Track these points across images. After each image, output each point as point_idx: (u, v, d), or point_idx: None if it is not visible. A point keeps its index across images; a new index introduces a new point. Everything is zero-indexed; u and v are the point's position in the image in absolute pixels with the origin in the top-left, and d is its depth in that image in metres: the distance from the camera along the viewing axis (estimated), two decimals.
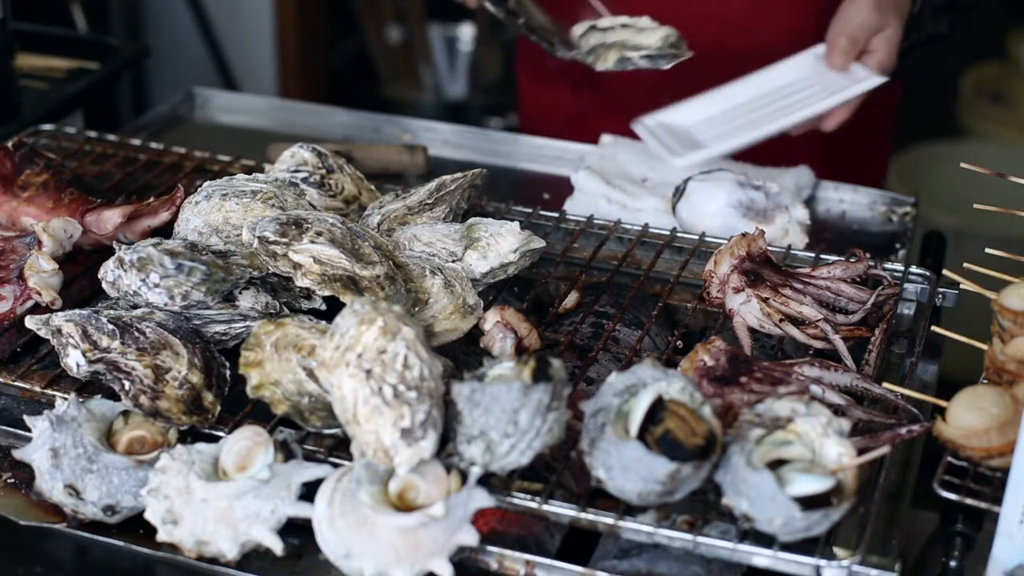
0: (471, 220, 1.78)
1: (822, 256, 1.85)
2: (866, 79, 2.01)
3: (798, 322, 1.69)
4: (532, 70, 2.55)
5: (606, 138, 2.24)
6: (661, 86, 2.31)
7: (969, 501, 1.40)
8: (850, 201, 2.17)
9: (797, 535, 1.36)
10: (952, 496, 1.41)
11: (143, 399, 1.50)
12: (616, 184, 2.10)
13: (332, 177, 1.88)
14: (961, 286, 1.69)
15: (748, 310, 1.70)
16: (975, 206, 1.79)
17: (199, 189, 1.77)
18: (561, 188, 2.16)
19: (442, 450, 1.42)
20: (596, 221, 1.97)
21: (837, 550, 1.37)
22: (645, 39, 2.09)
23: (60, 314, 1.60)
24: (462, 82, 4.76)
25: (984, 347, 1.57)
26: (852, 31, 2.04)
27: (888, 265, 1.83)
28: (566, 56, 2.10)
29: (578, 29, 2.15)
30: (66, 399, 1.51)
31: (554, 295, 1.84)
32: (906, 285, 1.82)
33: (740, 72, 2.27)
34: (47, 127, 2.23)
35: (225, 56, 4.18)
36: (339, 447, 1.48)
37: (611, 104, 2.40)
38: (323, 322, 1.58)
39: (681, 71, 2.29)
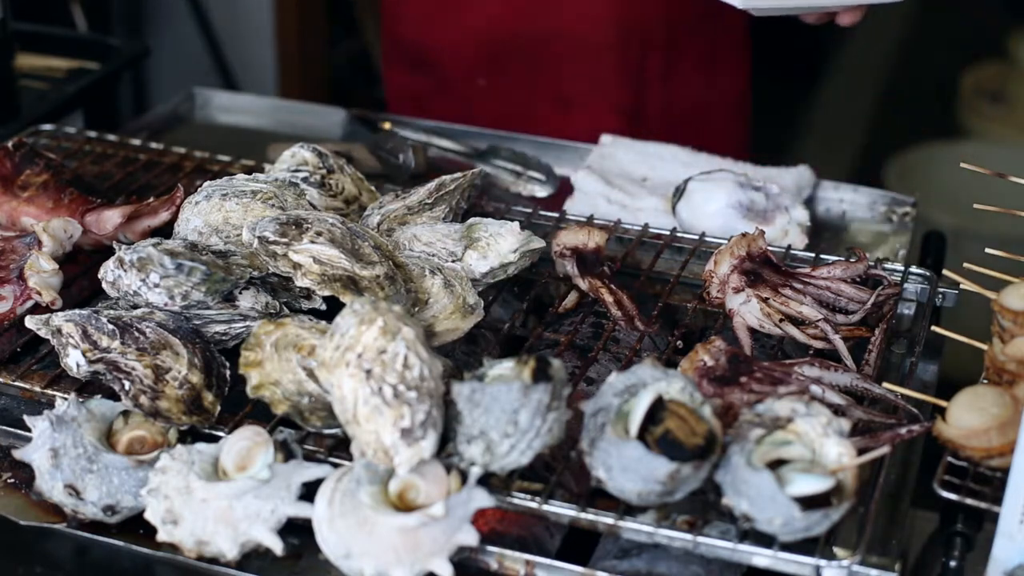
0: (471, 220, 1.78)
1: (822, 256, 1.85)
2: None
3: (798, 322, 1.69)
4: (387, 54, 2.68)
5: (606, 138, 2.24)
6: (481, 67, 2.47)
7: (969, 501, 1.40)
8: (850, 201, 2.17)
9: (797, 535, 1.36)
10: (952, 496, 1.41)
11: (143, 399, 1.50)
12: (616, 184, 2.10)
13: (332, 177, 1.88)
14: (961, 286, 1.69)
15: (748, 310, 1.70)
16: (975, 206, 1.79)
17: (199, 189, 1.77)
18: (561, 188, 2.16)
19: (442, 450, 1.42)
20: (596, 221, 1.96)
21: (837, 550, 1.37)
22: None
23: (60, 314, 1.60)
24: None
25: (984, 347, 1.57)
26: None
27: (888, 265, 1.83)
28: None
29: None
30: (66, 399, 1.51)
31: (554, 295, 1.84)
32: (906, 285, 1.82)
33: (543, 51, 2.41)
34: (47, 127, 2.23)
35: (225, 56, 4.18)
36: (339, 447, 1.48)
37: (440, 85, 2.53)
38: (323, 322, 1.58)
39: (499, 53, 2.43)
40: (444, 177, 1.87)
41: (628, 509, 1.41)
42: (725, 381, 1.53)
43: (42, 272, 1.70)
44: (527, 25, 2.42)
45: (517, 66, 2.48)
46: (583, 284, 1.76)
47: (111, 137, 2.21)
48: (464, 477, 1.40)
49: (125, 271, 1.61)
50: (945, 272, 1.72)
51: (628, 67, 2.48)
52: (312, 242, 1.61)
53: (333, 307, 1.58)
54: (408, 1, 2.56)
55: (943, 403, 1.48)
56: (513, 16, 2.42)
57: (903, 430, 1.49)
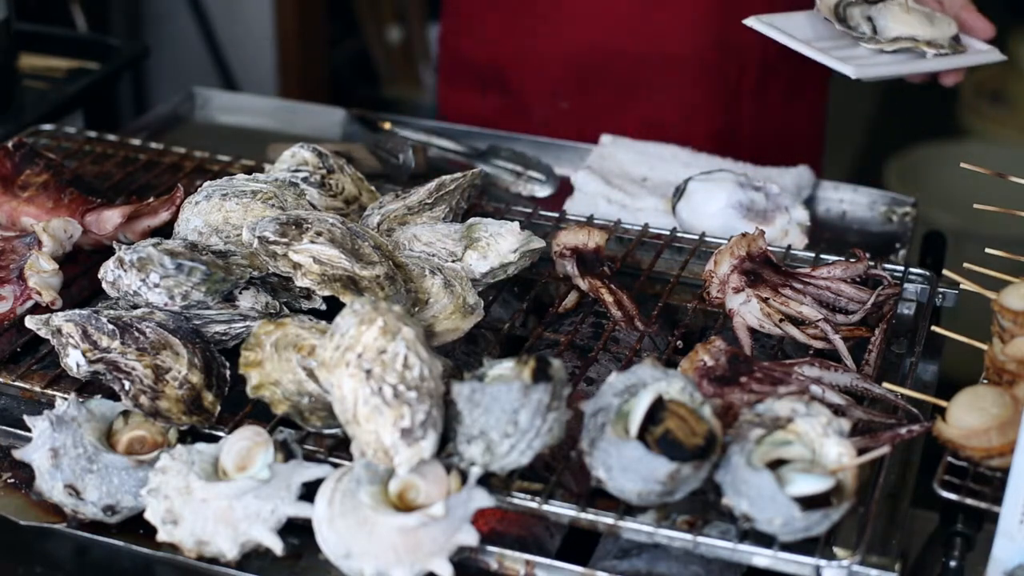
0: (471, 220, 1.78)
1: (822, 256, 1.85)
2: (989, 52, 1.94)
3: (798, 322, 1.69)
4: (448, 73, 2.60)
5: (606, 138, 2.24)
6: (565, 89, 2.38)
7: (969, 501, 1.40)
8: (850, 201, 2.17)
9: (797, 535, 1.36)
10: (952, 496, 1.41)
11: (143, 399, 1.50)
12: (616, 184, 2.10)
13: (332, 177, 1.88)
14: (961, 286, 1.69)
15: (748, 310, 1.70)
16: (975, 206, 1.79)
17: (199, 189, 1.77)
18: (561, 188, 2.17)
19: (442, 450, 1.42)
20: (596, 221, 1.96)
21: (837, 550, 1.37)
22: (934, 29, 1.90)
23: (60, 314, 1.60)
24: None
25: (984, 347, 1.57)
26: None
27: (888, 265, 1.83)
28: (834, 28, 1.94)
29: None
30: (66, 399, 1.51)
31: (554, 295, 1.84)
32: (906, 285, 1.82)
33: (635, 74, 2.33)
34: (47, 127, 2.23)
35: (225, 56, 4.18)
36: (339, 447, 1.48)
37: (517, 107, 2.45)
38: (323, 322, 1.58)
39: (588, 76, 2.34)
40: (444, 177, 1.87)
41: (628, 509, 1.41)
42: (725, 381, 1.53)
43: (42, 272, 1.70)
44: (619, 48, 2.34)
45: (605, 89, 2.40)
46: (583, 284, 1.76)
47: (111, 137, 2.21)
48: (464, 477, 1.40)
49: (125, 271, 1.61)
50: (945, 272, 1.72)
51: (723, 91, 2.40)
52: (312, 242, 1.61)
53: (333, 307, 1.58)
54: (484, 21, 2.48)
55: (943, 403, 1.48)
56: (605, 39, 2.34)
57: (903, 430, 1.49)
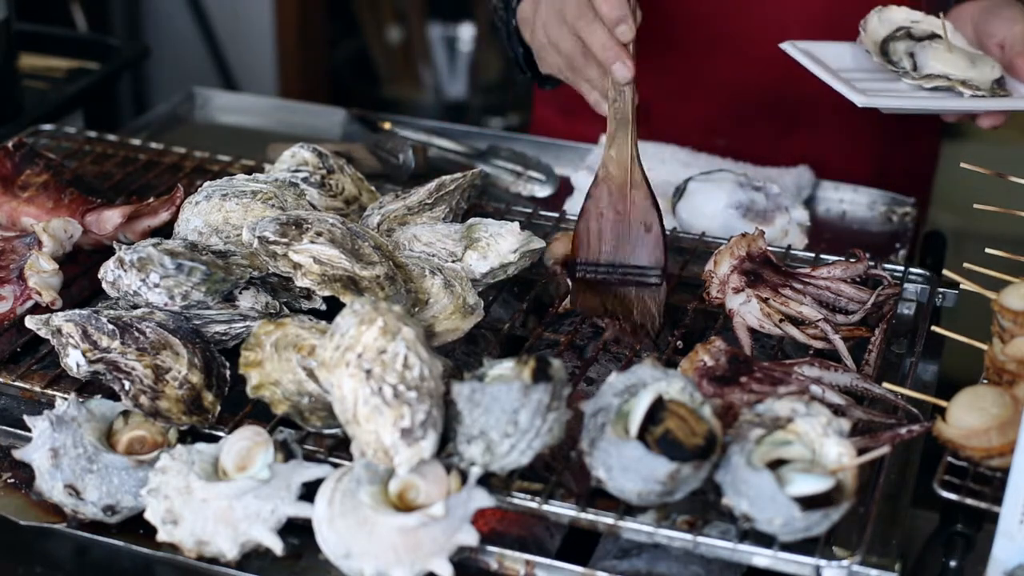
0: (471, 220, 1.78)
1: (822, 256, 1.85)
2: None
3: (798, 322, 1.69)
4: (565, 103, 2.37)
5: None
6: (720, 127, 2.25)
7: (969, 501, 1.40)
8: (850, 201, 2.17)
9: (797, 535, 1.36)
10: (952, 496, 1.41)
11: (143, 399, 1.50)
12: None
13: (332, 177, 1.88)
14: (961, 286, 1.69)
15: (748, 310, 1.70)
16: (975, 206, 1.79)
17: (199, 189, 1.77)
18: (561, 188, 2.16)
19: (442, 450, 1.42)
20: None
21: (837, 550, 1.37)
22: (974, 71, 1.88)
23: (60, 314, 1.60)
24: (462, 82, 4.76)
25: (984, 347, 1.57)
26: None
27: (888, 265, 1.83)
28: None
29: (876, 23, 1.95)
30: (66, 399, 1.51)
31: (554, 295, 1.84)
32: (906, 285, 1.82)
33: (794, 113, 2.24)
34: (47, 127, 2.23)
35: (225, 56, 4.18)
36: (339, 447, 1.48)
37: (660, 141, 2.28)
38: (323, 322, 1.58)
39: (748, 112, 2.25)
40: (444, 177, 1.87)
41: (628, 509, 1.41)
42: (725, 381, 1.53)
43: (42, 272, 1.70)
44: (782, 88, 2.22)
45: (763, 128, 2.29)
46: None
47: (111, 137, 2.21)
48: (464, 477, 1.40)
49: (125, 271, 1.61)
50: (945, 272, 1.72)
51: (885, 133, 2.32)
52: (312, 242, 1.61)
53: (333, 307, 1.58)
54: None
55: (943, 403, 1.48)
56: (770, 78, 2.21)
57: (903, 430, 1.49)
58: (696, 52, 2.25)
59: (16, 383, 1.60)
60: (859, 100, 1.80)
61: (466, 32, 4.73)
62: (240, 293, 1.63)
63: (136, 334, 1.56)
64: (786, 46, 1.92)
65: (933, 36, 1.91)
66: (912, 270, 1.83)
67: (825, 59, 1.90)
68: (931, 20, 1.93)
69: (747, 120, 2.28)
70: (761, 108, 2.28)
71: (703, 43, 2.25)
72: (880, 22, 1.94)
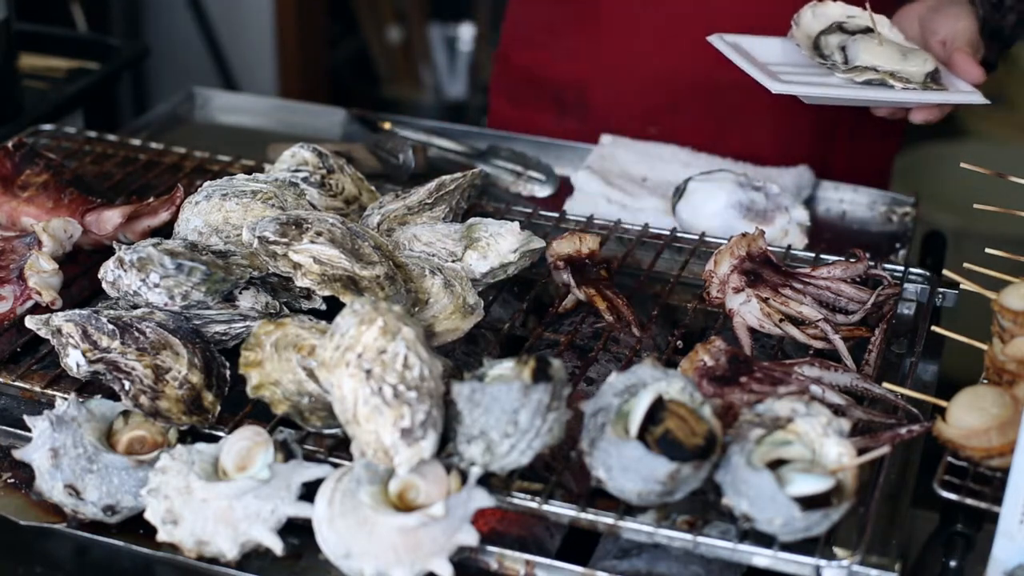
0: (471, 220, 1.78)
1: (822, 256, 1.85)
2: (971, 94, 1.88)
3: (798, 322, 1.69)
4: (512, 91, 2.47)
5: (606, 138, 2.24)
6: (655, 114, 2.28)
7: (969, 501, 1.40)
8: (850, 201, 2.17)
9: (797, 535, 1.36)
10: (952, 496, 1.41)
11: (143, 399, 1.50)
12: (616, 184, 2.10)
13: (332, 177, 1.88)
14: (961, 286, 1.69)
15: (748, 310, 1.70)
16: (975, 206, 1.79)
17: (199, 189, 1.77)
18: (561, 188, 2.16)
19: (442, 450, 1.42)
20: (596, 221, 1.97)
21: (837, 550, 1.37)
22: (906, 64, 1.87)
23: (60, 314, 1.60)
24: (462, 82, 4.76)
25: (984, 347, 1.57)
26: (971, 38, 1.94)
27: (888, 265, 1.83)
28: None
29: (810, 17, 1.94)
30: (66, 399, 1.51)
31: (554, 295, 1.84)
32: (906, 285, 1.82)
33: (731, 103, 2.24)
34: (47, 127, 2.23)
35: (225, 56, 4.18)
36: (339, 447, 1.48)
37: (597, 130, 2.31)
38: (323, 322, 1.58)
39: (683, 101, 2.26)
40: (444, 177, 1.87)
41: (628, 509, 1.41)
42: (725, 381, 1.53)
43: (42, 272, 1.70)
44: (718, 75, 2.21)
45: (697, 117, 2.30)
46: (580, 295, 1.75)
47: (111, 137, 2.21)
48: (464, 477, 1.40)
49: (125, 271, 1.61)
50: (945, 272, 1.72)
51: (823, 122, 2.32)
52: (312, 242, 1.61)
53: (333, 307, 1.58)
54: (569, 40, 2.34)
55: (943, 403, 1.48)
56: (703, 66, 2.20)
57: (903, 430, 1.49)
58: (630, 38, 2.28)
59: (16, 383, 1.60)
60: (774, 87, 1.80)
61: (466, 32, 4.73)
62: (240, 293, 1.63)
63: (136, 334, 1.56)
64: (713, 39, 1.92)
65: (868, 31, 1.90)
66: (912, 270, 1.83)
67: (753, 52, 1.90)
68: (867, 16, 1.92)
69: (682, 109, 2.29)
70: (696, 98, 2.29)
71: (638, 29, 2.28)
72: (814, 17, 1.94)
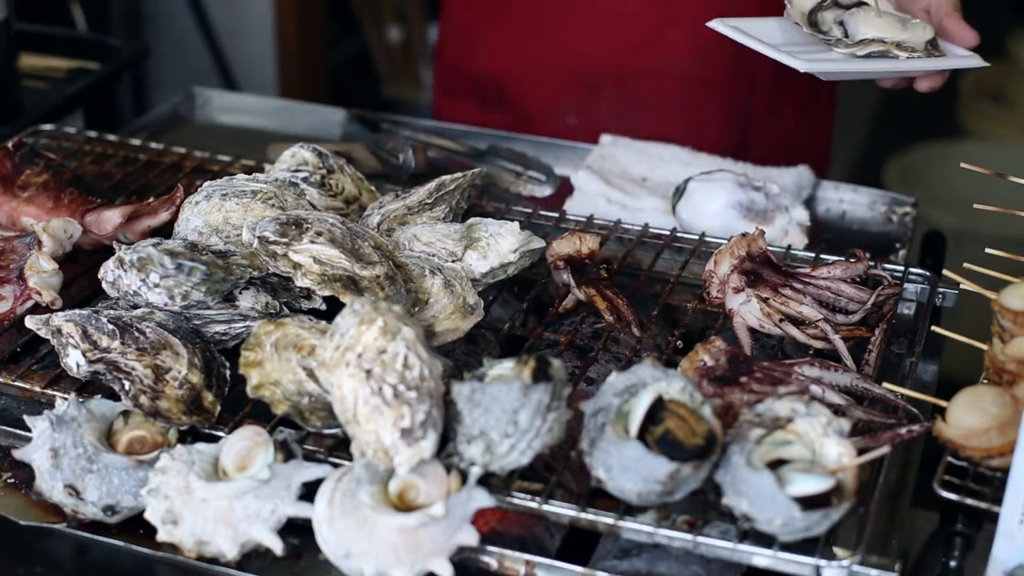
0: (471, 220, 1.78)
1: (822, 256, 1.85)
2: (971, 57, 1.89)
3: (798, 322, 1.69)
4: (445, 85, 2.55)
5: (606, 138, 2.24)
6: (571, 104, 2.34)
7: (969, 501, 1.40)
8: (850, 201, 2.17)
9: (797, 535, 1.36)
10: (952, 496, 1.41)
11: (143, 399, 1.50)
12: (616, 184, 2.10)
13: (332, 177, 1.88)
14: (961, 286, 1.69)
15: (748, 310, 1.70)
16: (975, 206, 1.79)
17: (199, 189, 1.77)
18: (561, 188, 2.16)
19: (442, 450, 1.42)
20: (596, 221, 1.96)
21: (837, 550, 1.37)
22: (907, 33, 1.86)
23: (60, 314, 1.60)
24: None
25: (984, 347, 1.57)
26: (956, 3, 1.93)
27: (888, 265, 1.83)
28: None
29: None
30: (66, 399, 1.51)
31: (554, 295, 1.84)
32: (906, 285, 1.82)
33: (643, 91, 2.29)
34: (47, 127, 2.23)
35: (225, 56, 4.18)
36: (339, 447, 1.48)
37: (519, 121, 2.39)
38: (323, 322, 1.58)
39: (596, 91, 2.29)
40: (444, 177, 1.87)
41: (628, 509, 1.41)
42: (725, 381, 1.53)
43: (42, 272, 1.70)
44: (628, 62, 2.30)
45: (612, 104, 2.35)
46: (580, 295, 1.75)
47: (111, 137, 2.21)
48: (464, 477, 1.40)
49: (125, 271, 1.61)
50: (945, 272, 1.72)
51: (734, 107, 2.38)
52: (312, 242, 1.61)
53: (333, 307, 1.58)
54: (485, 34, 2.43)
55: (943, 403, 1.48)
56: (613, 53, 2.29)
57: (903, 430, 1.49)
58: (542, 30, 2.35)
59: (16, 383, 1.60)
60: (800, 66, 1.79)
61: None
62: (240, 293, 1.63)
63: (136, 334, 1.56)
64: (715, 24, 1.91)
65: (860, 4, 1.89)
66: (912, 270, 1.83)
67: (755, 34, 1.89)
68: None
69: (598, 98, 2.34)
70: (612, 87, 2.34)
71: (549, 20, 2.33)
72: None
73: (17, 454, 1.48)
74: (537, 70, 2.39)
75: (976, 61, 1.87)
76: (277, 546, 1.40)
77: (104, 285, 1.64)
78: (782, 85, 2.39)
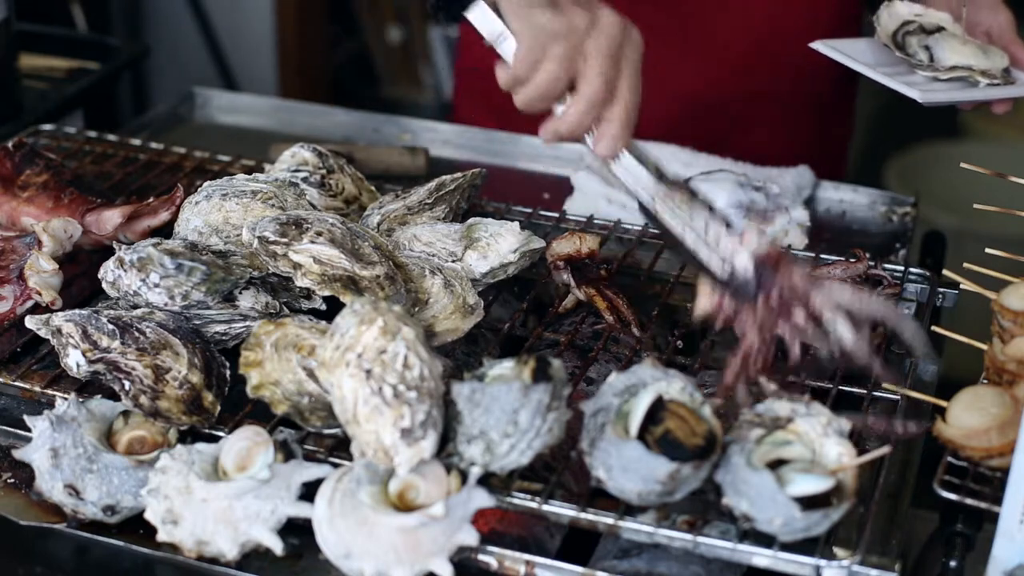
0: (471, 220, 1.78)
1: (822, 256, 1.85)
2: None
3: None
4: (488, 105, 2.39)
5: None
6: (665, 128, 2.23)
7: (969, 501, 1.40)
8: (850, 201, 2.17)
9: (797, 535, 1.36)
10: (952, 496, 1.41)
11: (143, 399, 1.50)
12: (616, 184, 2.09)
13: (332, 177, 1.88)
14: (961, 286, 1.69)
15: None
16: (975, 206, 1.79)
17: (199, 189, 1.77)
18: (561, 188, 2.16)
19: (442, 450, 1.42)
20: (596, 221, 1.96)
21: (837, 550, 1.37)
22: (988, 60, 1.95)
23: (60, 314, 1.60)
24: None
25: (984, 347, 1.57)
26: (1014, 28, 2.01)
27: (888, 265, 1.83)
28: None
29: (887, 17, 2.00)
30: (66, 399, 1.51)
31: (554, 295, 1.84)
32: (906, 285, 1.82)
33: (741, 118, 2.27)
34: (47, 127, 2.23)
35: (225, 56, 4.18)
36: (339, 447, 1.48)
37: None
38: (323, 322, 1.58)
39: (698, 115, 2.26)
40: (444, 177, 1.87)
41: (628, 509, 1.41)
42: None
43: (42, 272, 1.70)
44: (730, 88, 2.26)
45: (709, 126, 2.29)
46: (580, 294, 1.75)
47: (111, 137, 2.21)
48: (464, 477, 1.40)
49: (125, 271, 1.61)
50: (945, 272, 1.72)
51: (811, 122, 2.38)
52: (312, 242, 1.61)
53: (333, 307, 1.58)
54: None
55: (943, 403, 1.48)
56: (717, 79, 2.25)
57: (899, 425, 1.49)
58: (657, 54, 2.27)
59: (16, 383, 1.60)
60: (920, 97, 1.87)
61: None
62: (240, 293, 1.63)
63: (136, 334, 1.56)
64: (819, 46, 1.98)
65: (939, 28, 1.98)
66: (912, 270, 1.83)
67: (855, 55, 1.97)
68: (933, 13, 2.00)
69: (697, 122, 2.30)
70: (712, 108, 2.30)
71: (664, 44, 2.26)
72: (889, 16, 2.00)
73: (17, 454, 1.48)
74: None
75: None
76: (277, 546, 1.40)
77: (104, 285, 1.64)
78: (845, 97, 2.43)
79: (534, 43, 1.53)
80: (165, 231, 1.81)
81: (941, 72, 1.91)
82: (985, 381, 1.55)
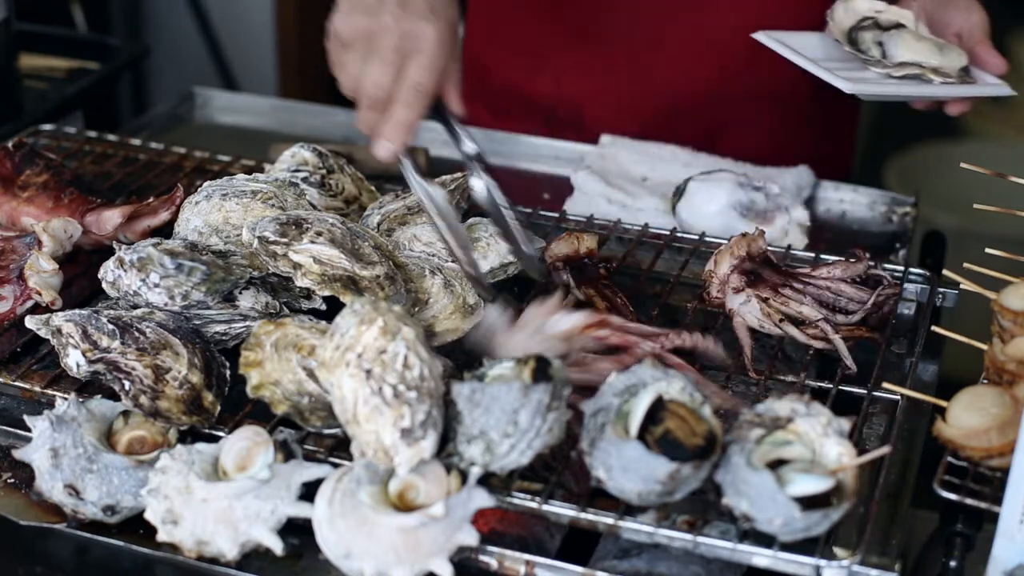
0: (471, 220, 1.78)
1: (822, 256, 1.85)
2: (999, 86, 1.94)
3: (798, 322, 1.69)
4: (488, 101, 2.40)
5: (606, 138, 2.24)
6: (655, 129, 2.26)
7: (969, 501, 1.40)
8: (850, 201, 2.17)
9: (797, 535, 1.36)
10: (952, 496, 1.41)
11: (143, 399, 1.50)
12: (616, 184, 2.10)
13: (332, 177, 1.88)
14: (961, 286, 1.69)
15: (748, 310, 1.70)
16: (975, 206, 1.79)
17: (199, 189, 1.77)
18: (561, 188, 2.16)
19: (442, 450, 1.42)
20: (596, 221, 1.96)
21: (837, 550, 1.37)
22: (943, 58, 1.91)
23: (60, 314, 1.60)
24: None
25: (984, 347, 1.57)
26: (986, 30, 2.00)
27: (888, 265, 1.83)
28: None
29: (842, 12, 1.98)
30: (66, 399, 1.51)
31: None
32: (906, 285, 1.82)
33: (728, 117, 2.27)
34: (47, 127, 2.23)
35: (225, 56, 4.18)
36: (339, 447, 1.48)
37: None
38: (323, 322, 1.58)
39: (684, 115, 2.26)
40: (444, 177, 1.87)
41: (628, 509, 1.41)
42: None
43: (42, 272, 1.70)
44: (729, 88, 2.25)
45: (697, 126, 2.29)
46: (580, 295, 1.75)
47: (111, 137, 2.21)
48: (464, 477, 1.40)
49: (125, 271, 1.61)
50: (945, 272, 1.72)
51: (807, 122, 2.37)
52: (312, 242, 1.61)
53: (333, 307, 1.58)
54: (561, 59, 2.31)
55: (943, 403, 1.48)
56: (704, 79, 2.24)
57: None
58: (625, 54, 2.27)
59: (16, 383, 1.60)
60: (845, 86, 1.84)
61: None
62: (240, 293, 1.63)
63: (136, 334, 1.56)
64: (761, 36, 1.94)
65: (898, 25, 1.94)
66: (912, 270, 1.83)
67: (797, 48, 1.94)
68: (894, 10, 1.97)
69: (681, 119, 2.28)
70: (699, 108, 2.29)
71: (649, 46, 2.27)
72: (846, 12, 1.98)
73: (17, 454, 1.48)
74: (622, 96, 2.30)
75: (1005, 89, 1.92)
76: (277, 546, 1.40)
77: (104, 285, 1.64)
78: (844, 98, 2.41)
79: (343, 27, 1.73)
80: (165, 231, 1.81)
81: (892, 68, 1.88)
82: (985, 381, 1.55)
